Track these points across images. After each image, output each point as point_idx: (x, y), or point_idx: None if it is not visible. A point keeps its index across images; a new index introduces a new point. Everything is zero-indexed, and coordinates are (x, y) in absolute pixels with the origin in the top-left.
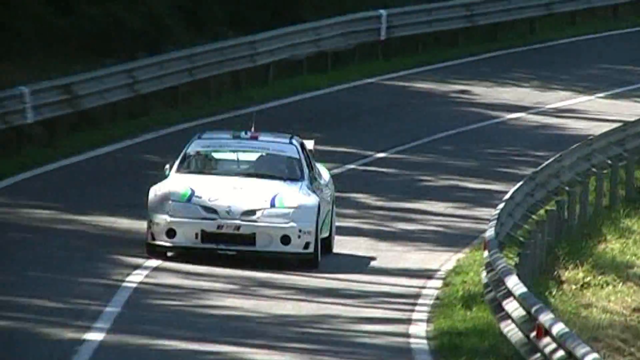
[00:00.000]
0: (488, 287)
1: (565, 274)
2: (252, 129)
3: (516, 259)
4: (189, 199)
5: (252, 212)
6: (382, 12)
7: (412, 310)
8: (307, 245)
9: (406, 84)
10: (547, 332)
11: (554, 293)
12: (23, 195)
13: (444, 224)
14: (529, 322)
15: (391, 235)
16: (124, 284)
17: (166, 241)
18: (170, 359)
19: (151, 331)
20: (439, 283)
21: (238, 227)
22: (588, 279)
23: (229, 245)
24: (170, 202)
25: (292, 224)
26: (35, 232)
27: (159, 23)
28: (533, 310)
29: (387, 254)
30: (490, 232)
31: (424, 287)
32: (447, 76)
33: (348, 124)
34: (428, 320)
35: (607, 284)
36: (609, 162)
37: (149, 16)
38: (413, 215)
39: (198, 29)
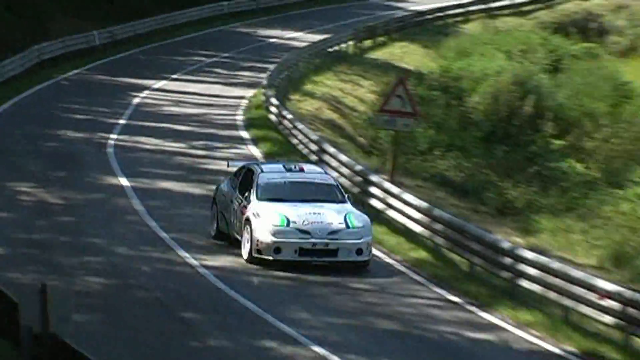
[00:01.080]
0: (265, 101)
1: (292, 97)
2: (288, 164)
3: (274, 92)
4: (287, 224)
5: (335, 232)
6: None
7: (236, 110)
8: (369, 254)
9: (242, 30)
10: (285, 117)
11: (287, 104)
12: (99, 70)
13: (249, 79)
14: (280, 114)
15: (230, 84)
16: (133, 101)
17: (272, 256)
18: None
19: (145, 119)
20: (247, 101)
21: (327, 244)
22: (301, 99)
23: (320, 257)
24: (272, 226)
25: (363, 239)
26: (100, 84)
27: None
28: (281, 110)
29: (226, 91)
30: (264, 82)
31: (240, 102)
32: (249, 26)
33: (214, 44)
34: (243, 114)
35: (306, 100)
36: (305, 57)
37: None
38: (239, 78)
39: (160, 6)
